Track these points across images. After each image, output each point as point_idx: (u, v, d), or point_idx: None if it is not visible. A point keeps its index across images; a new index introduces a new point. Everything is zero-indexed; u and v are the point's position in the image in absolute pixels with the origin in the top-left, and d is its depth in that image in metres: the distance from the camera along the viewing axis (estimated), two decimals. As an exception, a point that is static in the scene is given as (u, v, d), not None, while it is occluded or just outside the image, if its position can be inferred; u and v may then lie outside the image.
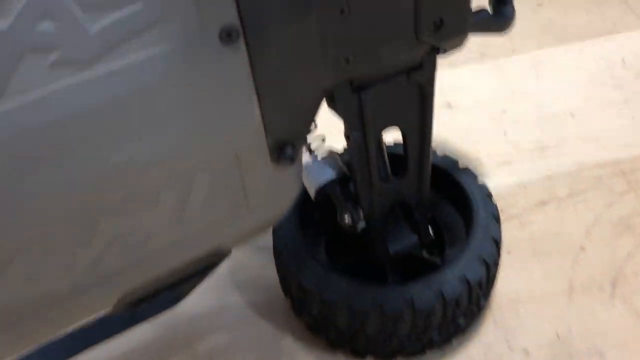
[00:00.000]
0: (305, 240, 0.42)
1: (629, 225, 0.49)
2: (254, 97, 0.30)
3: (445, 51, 0.37)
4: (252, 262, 0.49)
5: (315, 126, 0.41)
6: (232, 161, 0.32)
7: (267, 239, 0.47)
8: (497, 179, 0.53)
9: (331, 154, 0.41)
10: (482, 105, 0.60)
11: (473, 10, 0.37)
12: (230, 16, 0.27)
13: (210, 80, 0.28)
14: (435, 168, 0.45)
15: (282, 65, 0.30)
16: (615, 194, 0.51)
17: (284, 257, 0.42)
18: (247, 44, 0.28)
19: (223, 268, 0.48)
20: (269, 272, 0.47)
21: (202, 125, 0.29)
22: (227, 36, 0.27)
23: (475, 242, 0.40)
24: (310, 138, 0.41)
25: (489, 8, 0.40)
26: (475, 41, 0.68)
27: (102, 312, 0.35)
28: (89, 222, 0.29)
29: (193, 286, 0.39)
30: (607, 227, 0.49)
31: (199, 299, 0.47)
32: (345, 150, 0.48)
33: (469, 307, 0.40)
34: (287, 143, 0.33)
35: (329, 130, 0.42)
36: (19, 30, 0.24)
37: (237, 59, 0.28)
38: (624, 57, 0.64)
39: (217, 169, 0.32)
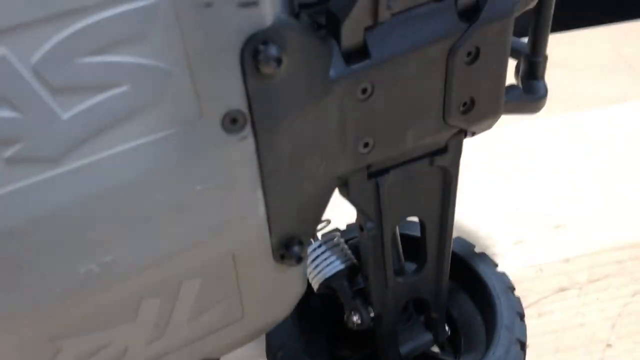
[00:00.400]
0: (304, 336, 0.37)
1: (657, 318, 0.45)
2: (259, 191, 0.25)
3: (473, 134, 0.33)
4: (241, 353, 0.43)
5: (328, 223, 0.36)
6: (228, 263, 0.27)
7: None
8: (509, 262, 0.49)
9: (338, 241, 0.36)
10: (487, 176, 0.56)
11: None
12: (237, 100, 0.22)
13: (208, 173, 0.23)
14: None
15: (294, 154, 0.25)
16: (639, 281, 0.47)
17: (279, 358, 0.36)
18: (254, 132, 0.24)
19: None
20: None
21: (196, 224, 0.24)
22: (231, 123, 0.23)
23: (499, 347, 0.35)
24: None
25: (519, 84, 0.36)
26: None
27: None
28: (50, 344, 0.24)
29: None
30: (634, 319, 0.45)
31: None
32: (348, 227, 0.44)
33: (491, 421, 0.35)
34: (294, 239, 0.28)
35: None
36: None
37: (242, 148, 0.24)
38: (633, 125, 0.60)
39: (211, 272, 0.26)
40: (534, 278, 0.48)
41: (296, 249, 0.28)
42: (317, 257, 0.35)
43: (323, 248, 0.36)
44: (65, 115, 0.20)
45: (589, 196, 0.54)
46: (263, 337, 0.40)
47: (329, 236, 0.36)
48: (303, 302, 0.40)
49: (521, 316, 0.37)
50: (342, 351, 0.40)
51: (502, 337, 0.36)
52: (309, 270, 0.36)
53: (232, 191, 0.24)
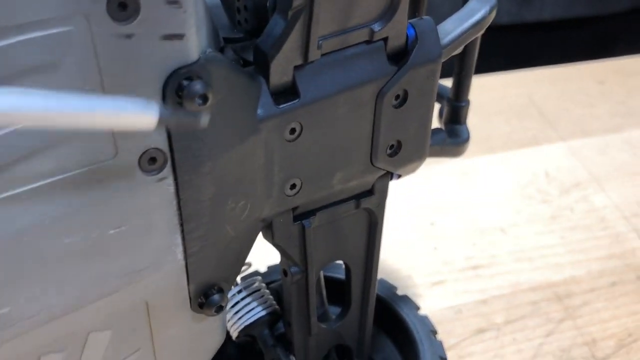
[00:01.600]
0: None
1: (570, 358, 0.46)
2: (178, 236, 0.24)
3: (399, 177, 0.32)
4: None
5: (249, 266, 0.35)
6: (141, 313, 0.25)
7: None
8: (430, 301, 0.49)
9: (259, 286, 0.35)
10: (409, 217, 0.57)
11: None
12: (156, 138, 0.21)
13: (122, 216, 0.22)
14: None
15: (216, 196, 0.24)
16: (554, 321, 0.48)
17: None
18: (174, 172, 0.22)
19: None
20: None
21: (108, 272, 0.22)
22: (149, 163, 0.21)
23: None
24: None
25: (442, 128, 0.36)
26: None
27: None
28: None
29: None
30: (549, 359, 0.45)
31: None
32: (269, 268, 0.42)
33: None
34: (213, 287, 0.26)
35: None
36: None
37: (161, 189, 0.22)
38: (547, 170, 0.63)
39: (122, 324, 0.24)
40: (453, 320, 0.48)
41: (216, 297, 0.26)
42: (237, 303, 0.33)
43: (243, 294, 0.34)
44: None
45: (503, 239, 0.55)
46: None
47: (249, 281, 0.35)
48: (219, 350, 0.38)
49: (443, 360, 0.37)
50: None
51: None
52: (227, 317, 0.34)
53: (148, 236, 0.23)
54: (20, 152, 0.18)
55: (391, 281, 0.43)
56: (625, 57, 0.82)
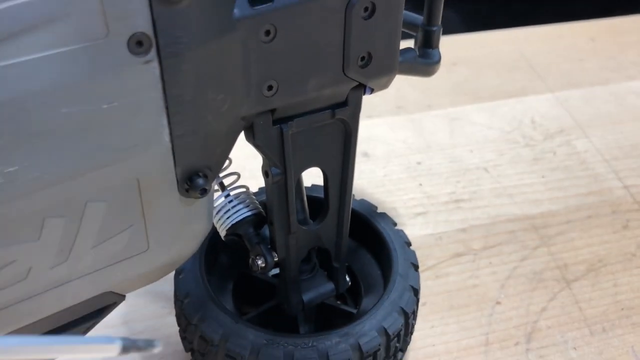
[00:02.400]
0: (211, 286, 0.39)
1: (542, 279, 0.49)
2: (164, 118, 0.27)
3: (372, 91, 0.35)
4: (147, 312, 0.44)
5: (230, 162, 0.38)
6: (133, 189, 0.28)
7: (165, 286, 0.43)
8: (412, 229, 0.52)
9: (246, 192, 0.38)
10: (397, 157, 0.60)
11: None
12: (143, 22, 0.24)
13: (114, 93, 0.25)
14: (352, 212, 0.43)
15: (198, 85, 0.27)
16: (529, 248, 0.51)
17: (186, 306, 0.38)
18: (159, 56, 0.25)
19: (117, 317, 0.44)
20: (169, 321, 0.42)
21: (102, 144, 0.26)
22: (137, 45, 0.24)
23: (393, 292, 0.38)
24: (223, 175, 0.38)
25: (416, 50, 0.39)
26: (392, 95, 0.68)
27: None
28: None
29: (83, 333, 0.34)
30: (522, 281, 0.49)
31: (86, 352, 0.41)
32: (261, 189, 0.45)
33: (386, 360, 0.37)
34: (198, 173, 0.30)
35: (243, 171, 0.39)
36: None
37: (147, 71, 0.25)
38: (533, 118, 0.66)
39: (115, 197, 0.28)
40: (433, 245, 0.51)
41: (200, 181, 0.29)
42: (225, 205, 0.37)
43: (231, 198, 0.37)
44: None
45: (486, 177, 0.58)
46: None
47: (238, 189, 0.38)
48: (212, 258, 0.42)
49: (415, 267, 0.40)
50: (248, 306, 0.41)
51: (397, 283, 0.38)
52: (216, 218, 0.38)
53: (137, 114, 0.26)
54: (29, 22, 0.22)
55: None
56: (618, 17, 0.84)
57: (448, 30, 0.79)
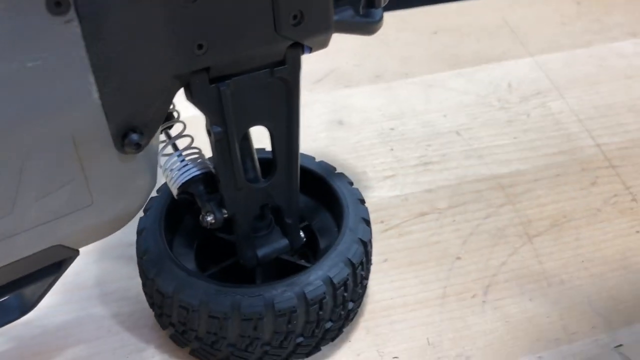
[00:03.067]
0: (176, 246, 0.41)
1: (504, 235, 0.50)
2: (91, 76, 0.29)
3: (310, 50, 0.36)
4: (119, 273, 0.47)
5: (185, 125, 0.40)
6: (69, 145, 0.30)
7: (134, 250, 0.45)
8: (380, 192, 0.54)
9: (198, 153, 0.40)
10: (371, 124, 0.61)
11: (337, 8, 0.37)
12: (56, -16, 0.26)
13: (37, 51, 0.27)
14: (311, 173, 0.44)
15: (122, 44, 0.29)
16: (494, 206, 0.52)
17: (144, 262, 0.40)
18: (79, 16, 0.27)
19: (89, 279, 0.46)
20: (137, 282, 0.45)
21: (32, 99, 0.28)
22: (55, 6, 0.26)
23: (341, 244, 0.40)
24: (175, 136, 0.40)
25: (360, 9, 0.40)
26: (371, 64, 0.69)
27: None
28: None
29: (41, 292, 0.36)
30: (484, 237, 0.50)
31: (61, 311, 0.44)
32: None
33: (334, 310, 0.39)
34: (133, 129, 0.31)
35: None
36: None
37: (68, 31, 0.27)
38: (510, 82, 0.66)
39: (52, 152, 0.30)
40: (398, 205, 0.52)
41: (134, 137, 0.31)
42: (176, 165, 0.39)
43: (182, 158, 0.39)
44: None
45: (457, 139, 0.59)
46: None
47: (189, 149, 0.40)
48: (176, 218, 0.44)
49: (366, 222, 0.42)
50: (209, 263, 0.43)
51: (346, 235, 0.40)
52: (169, 178, 0.40)
53: (62, 73, 0.28)
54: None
55: (348, 175, 0.47)
56: (606, -21, 0.84)
57: (432, 0, 0.80)
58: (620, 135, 0.60)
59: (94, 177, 0.32)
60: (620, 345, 0.42)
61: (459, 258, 0.48)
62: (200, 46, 0.32)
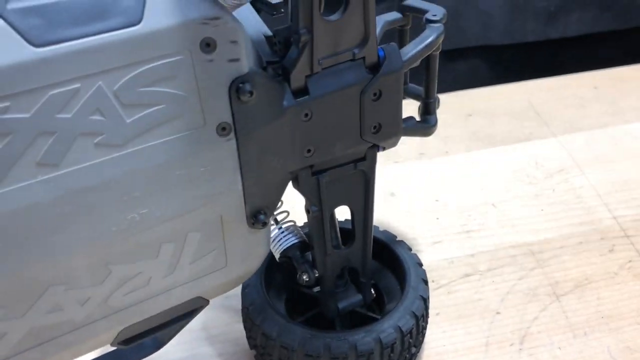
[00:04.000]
0: (269, 298, 0.51)
1: (535, 294, 0.60)
2: (239, 175, 0.40)
3: (384, 148, 0.47)
4: (222, 320, 0.57)
5: (282, 203, 0.51)
6: (217, 224, 0.41)
7: (234, 301, 0.56)
8: (429, 255, 0.64)
9: (294, 226, 0.51)
10: (419, 196, 0.72)
11: (404, 117, 0.49)
12: (226, 116, 0.38)
13: (207, 161, 0.38)
14: (377, 240, 0.55)
15: (261, 153, 0.40)
16: (526, 269, 0.62)
17: (250, 311, 0.50)
18: (236, 136, 0.39)
19: (197, 324, 0.57)
20: (237, 327, 0.55)
21: (199, 194, 0.39)
22: (222, 130, 0.38)
23: (407, 300, 0.50)
24: (277, 213, 0.51)
25: (417, 116, 0.52)
26: (415, 143, 0.80)
27: (103, 345, 0.42)
28: (105, 267, 0.38)
29: (173, 333, 0.47)
30: (519, 295, 0.59)
31: (175, 349, 0.54)
32: (305, 224, 0.58)
33: (402, 353, 0.49)
34: (260, 211, 0.43)
35: (292, 210, 0.52)
36: (77, 120, 0.34)
37: (228, 147, 0.39)
38: (537, 160, 0.77)
39: (206, 228, 0.41)
40: (446, 267, 0.63)
41: (262, 217, 0.42)
42: (278, 235, 0.50)
43: (282, 229, 0.50)
44: (129, 120, 0.35)
45: (493, 211, 0.69)
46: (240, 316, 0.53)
47: (288, 223, 0.51)
48: (271, 276, 0.55)
49: (425, 282, 0.52)
50: (297, 313, 0.54)
51: (410, 293, 0.50)
52: (272, 245, 0.50)
53: (221, 173, 0.39)
54: (159, 120, 0.36)
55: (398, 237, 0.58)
56: (620, 67, 0.95)
57: (473, 84, 0.92)
58: (634, 209, 0.70)
59: (230, 246, 0.43)
60: (635, 387, 0.51)
61: (498, 313, 0.58)
62: (309, 150, 0.43)
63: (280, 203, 0.49)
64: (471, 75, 1.51)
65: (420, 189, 0.73)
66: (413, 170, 0.76)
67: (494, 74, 1.38)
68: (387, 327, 0.48)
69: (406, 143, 0.80)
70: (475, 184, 0.73)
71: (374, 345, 0.47)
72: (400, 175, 0.75)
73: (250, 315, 0.50)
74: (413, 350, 0.50)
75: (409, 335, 0.49)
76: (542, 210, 0.69)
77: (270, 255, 0.52)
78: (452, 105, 0.87)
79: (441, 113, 0.79)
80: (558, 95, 0.90)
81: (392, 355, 0.48)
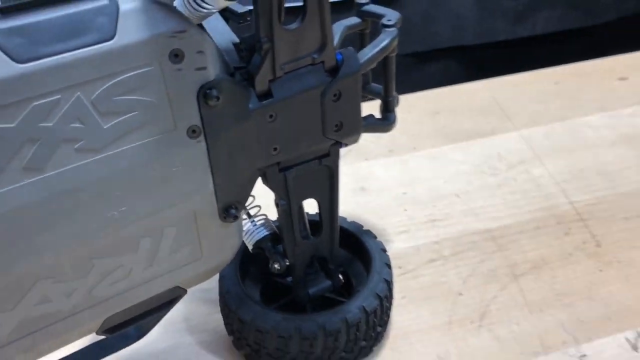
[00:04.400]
0: (245, 286, 0.55)
1: (495, 276, 0.64)
2: (210, 174, 0.44)
3: (346, 145, 0.51)
4: (201, 311, 0.61)
5: (253, 198, 0.55)
6: (192, 219, 0.45)
7: (213, 294, 0.60)
8: (397, 244, 0.68)
9: (266, 219, 0.55)
10: (388, 189, 0.76)
11: (364, 115, 0.53)
12: (195, 119, 0.42)
13: (179, 162, 0.42)
14: (345, 231, 0.59)
15: (230, 153, 0.44)
16: (487, 253, 0.67)
17: (227, 299, 0.54)
18: (205, 138, 0.43)
19: (178, 316, 0.61)
20: (215, 317, 0.59)
21: (173, 192, 0.43)
22: (192, 133, 0.42)
23: (371, 282, 0.54)
24: (250, 207, 0.55)
25: (379, 113, 0.56)
26: (385, 141, 0.85)
27: (90, 333, 0.46)
28: (89, 261, 0.42)
29: (155, 322, 0.50)
30: (480, 277, 0.64)
31: (157, 338, 0.58)
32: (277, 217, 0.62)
33: (367, 331, 0.53)
34: (231, 206, 0.46)
35: (265, 204, 0.56)
36: (58, 128, 0.38)
37: (199, 148, 0.43)
38: (500, 152, 0.81)
39: (181, 224, 0.45)
40: (413, 254, 0.67)
41: (233, 211, 0.46)
42: (251, 228, 0.54)
43: (255, 222, 0.54)
44: (105, 126, 0.39)
45: (457, 201, 0.74)
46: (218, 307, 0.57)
47: (260, 216, 0.55)
48: (246, 268, 0.58)
49: (388, 266, 0.56)
50: (272, 301, 0.58)
51: (374, 277, 0.54)
52: (246, 237, 0.54)
53: (193, 172, 0.43)
54: (133, 126, 0.39)
55: (373, 231, 0.62)
56: (581, 62, 1.00)
57: (446, 84, 0.96)
58: (589, 194, 0.74)
59: (205, 238, 0.47)
60: (584, 355, 0.56)
61: (460, 294, 0.62)
62: (275, 149, 0.47)
63: (252, 199, 0.53)
64: (444, 75, 1.56)
65: (389, 184, 0.77)
66: (382, 166, 0.80)
67: (466, 73, 1.43)
68: (352, 308, 0.52)
69: (376, 141, 0.85)
70: (440, 177, 0.78)
71: (341, 324, 0.51)
72: (371, 171, 0.79)
73: (227, 303, 0.54)
74: (378, 329, 0.54)
75: (373, 314, 0.53)
76: (503, 199, 0.74)
77: (245, 247, 0.56)
78: (420, 104, 0.91)
79: (410, 112, 0.84)
80: (521, 91, 0.94)
81: (358, 333, 0.52)
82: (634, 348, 0.57)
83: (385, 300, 0.54)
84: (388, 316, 0.56)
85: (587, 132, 0.85)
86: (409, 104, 0.91)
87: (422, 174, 0.78)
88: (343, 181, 0.73)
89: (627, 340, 0.57)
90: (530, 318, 0.59)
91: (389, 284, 0.55)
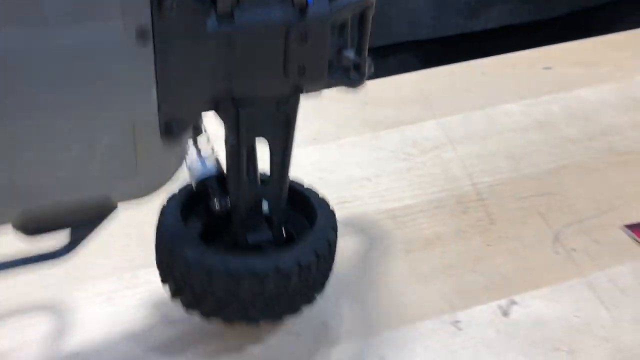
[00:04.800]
0: (186, 226, 0.55)
1: (389, 252, 0.69)
2: (154, 84, 0.44)
3: (308, 91, 0.51)
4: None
5: (208, 138, 0.57)
6: (130, 128, 0.45)
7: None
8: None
9: (213, 155, 0.56)
10: (306, 175, 0.80)
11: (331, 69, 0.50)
12: (146, 20, 0.42)
13: (124, 65, 0.42)
14: (296, 191, 0.61)
15: (179, 68, 0.44)
16: (385, 231, 0.71)
17: (166, 239, 0.54)
18: (154, 45, 0.43)
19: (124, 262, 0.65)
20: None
21: (113, 92, 0.43)
22: (140, 35, 0.42)
23: (320, 228, 0.56)
24: (198, 141, 0.56)
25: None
26: (309, 131, 0.90)
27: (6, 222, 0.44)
28: (12, 143, 0.41)
29: (82, 237, 0.48)
30: (374, 253, 0.69)
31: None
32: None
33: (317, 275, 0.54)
34: (174, 122, 0.46)
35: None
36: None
37: (146, 54, 0.43)
38: (415, 139, 0.86)
39: (117, 130, 0.45)
40: (317, 233, 0.72)
41: (175, 128, 0.46)
42: (198, 164, 0.56)
43: (202, 158, 0.56)
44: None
45: (367, 184, 0.79)
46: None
47: (211, 155, 0.57)
48: (189, 207, 0.60)
49: (334, 216, 0.59)
50: (213, 239, 0.57)
51: (322, 220, 0.57)
52: (191, 173, 0.55)
53: (137, 79, 0.43)
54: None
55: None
56: (507, 54, 1.05)
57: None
58: (494, 176, 0.79)
59: (141, 154, 0.46)
60: (458, 321, 0.61)
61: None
62: (230, 78, 0.46)
63: (206, 138, 0.54)
64: (402, 69, 1.61)
65: (307, 169, 0.82)
66: (305, 154, 0.85)
67: (423, 67, 1.48)
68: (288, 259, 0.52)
69: (299, 130, 0.90)
70: (356, 163, 0.83)
71: (295, 265, 0.52)
72: (293, 160, 0.84)
73: (167, 246, 0.53)
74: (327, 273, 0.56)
75: (323, 259, 0.55)
76: (410, 182, 0.79)
77: (190, 189, 0.57)
78: (351, 95, 0.96)
79: (340, 102, 0.88)
80: (448, 82, 0.99)
81: (309, 277, 0.53)
82: (504, 314, 0.62)
83: (333, 245, 0.56)
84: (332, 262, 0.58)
85: (503, 118, 0.89)
86: (339, 96, 0.96)
87: (340, 161, 0.83)
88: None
89: (500, 307, 0.62)
90: (417, 288, 0.64)
91: (335, 230, 0.57)
